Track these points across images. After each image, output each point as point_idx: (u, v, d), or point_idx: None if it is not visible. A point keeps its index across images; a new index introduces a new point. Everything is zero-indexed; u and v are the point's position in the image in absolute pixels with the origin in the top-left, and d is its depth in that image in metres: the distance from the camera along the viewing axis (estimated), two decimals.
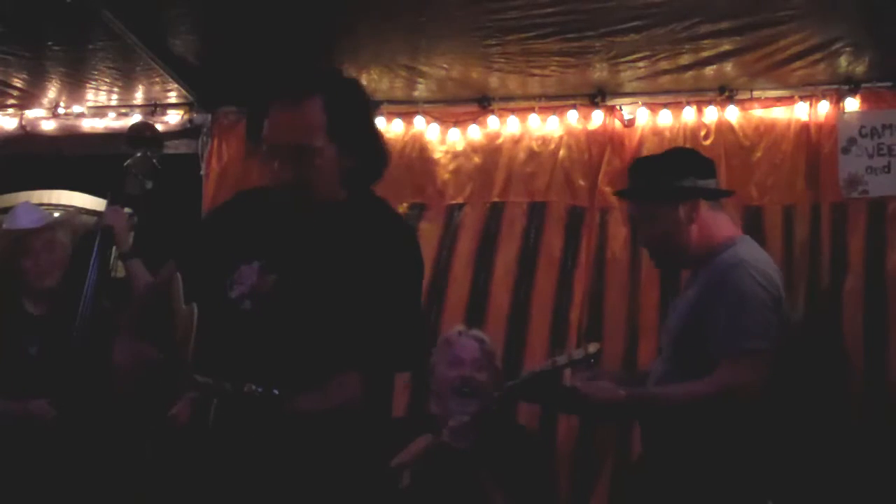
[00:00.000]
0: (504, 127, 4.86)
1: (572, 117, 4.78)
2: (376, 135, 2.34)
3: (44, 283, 3.59)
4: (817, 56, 4.27)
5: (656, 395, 2.71)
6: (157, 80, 4.72)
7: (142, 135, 3.69)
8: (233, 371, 2.02)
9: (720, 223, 2.79)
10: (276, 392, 1.93)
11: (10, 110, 5.12)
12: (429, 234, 4.81)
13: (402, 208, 4.86)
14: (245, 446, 2.04)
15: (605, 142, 4.74)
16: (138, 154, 3.58)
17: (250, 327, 2.14)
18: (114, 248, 3.52)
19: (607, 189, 4.65)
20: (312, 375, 2.04)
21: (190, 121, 5.02)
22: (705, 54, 4.28)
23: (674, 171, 2.80)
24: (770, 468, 2.65)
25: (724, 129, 4.66)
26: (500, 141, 4.87)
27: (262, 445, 2.03)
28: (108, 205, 3.57)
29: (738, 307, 2.54)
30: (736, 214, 4.54)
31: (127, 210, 3.59)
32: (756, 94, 4.63)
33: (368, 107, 2.33)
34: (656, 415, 2.70)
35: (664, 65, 4.39)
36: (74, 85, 4.84)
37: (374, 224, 2.26)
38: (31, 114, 5.12)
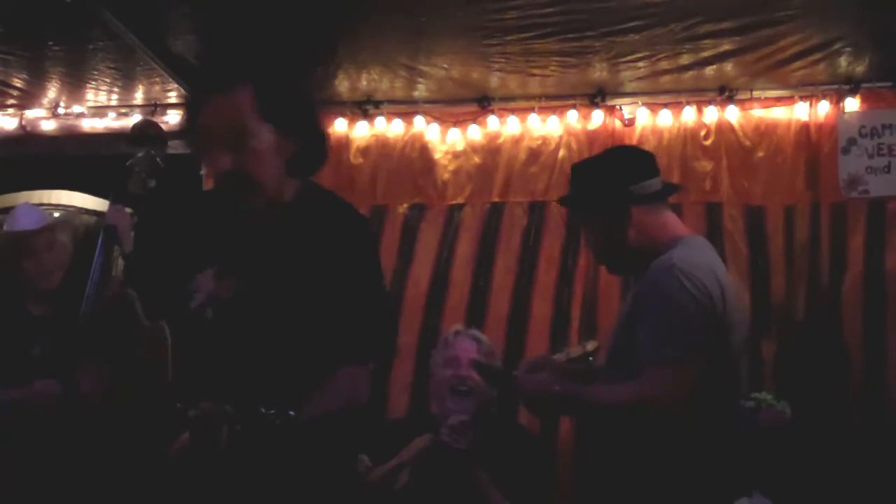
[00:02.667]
0: (504, 127, 4.87)
1: (572, 117, 4.79)
2: (313, 117, 2.31)
3: (45, 283, 3.59)
4: (817, 56, 4.28)
5: (582, 394, 2.58)
6: (157, 80, 4.72)
7: (145, 133, 3.67)
8: (216, 384, 2.01)
9: (663, 223, 2.64)
10: (291, 413, 1.90)
11: (10, 110, 5.12)
12: (429, 234, 4.83)
13: (403, 209, 4.89)
14: (264, 467, 2.00)
15: (605, 142, 4.74)
16: (141, 152, 3.56)
17: (218, 336, 2.13)
18: (115, 247, 3.51)
19: None
20: (294, 376, 2.03)
21: None
22: (705, 54, 4.28)
23: (603, 178, 2.66)
24: (718, 471, 2.53)
25: (724, 129, 4.67)
26: (500, 141, 4.88)
27: (282, 463, 2.00)
28: (111, 204, 3.56)
29: (663, 315, 2.40)
30: (738, 214, 4.57)
31: (127, 210, 3.58)
32: (756, 94, 4.64)
33: (303, 89, 2.32)
34: (582, 414, 2.63)
35: (664, 65, 4.39)
36: (74, 85, 4.84)
37: (326, 217, 2.25)
38: (31, 114, 5.12)
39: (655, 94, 4.70)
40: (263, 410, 1.89)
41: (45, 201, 5.08)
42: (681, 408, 2.36)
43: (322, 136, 2.31)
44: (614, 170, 2.68)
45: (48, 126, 5.13)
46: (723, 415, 2.53)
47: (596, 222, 2.68)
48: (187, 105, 2.24)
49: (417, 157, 4.93)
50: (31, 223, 3.64)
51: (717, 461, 2.50)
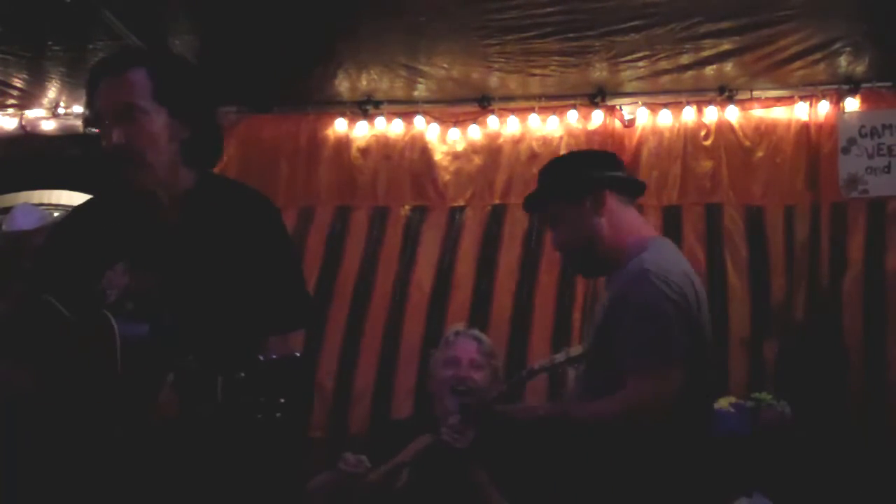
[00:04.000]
0: (504, 127, 4.87)
1: (572, 117, 4.79)
2: (209, 105, 2.36)
3: None
4: (817, 56, 4.28)
5: (568, 413, 2.56)
6: None
7: None
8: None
9: (632, 220, 2.63)
10: (297, 354, 1.94)
11: (10, 110, 5.12)
12: (431, 237, 4.83)
13: (404, 211, 4.89)
14: (273, 408, 2.01)
15: (604, 142, 4.75)
16: None
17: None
18: None
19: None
20: (221, 357, 2.05)
21: None
22: (705, 54, 4.29)
23: (574, 165, 2.69)
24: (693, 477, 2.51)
25: (724, 129, 4.67)
26: (500, 141, 4.88)
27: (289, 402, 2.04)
28: None
29: (641, 321, 2.37)
30: (737, 215, 4.57)
31: None
32: (756, 94, 4.64)
33: (197, 77, 2.36)
34: (571, 433, 2.55)
35: (664, 65, 4.40)
36: (74, 85, 4.83)
37: (229, 204, 2.29)
38: (31, 114, 5.12)
39: (655, 94, 4.71)
40: (262, 357, 1.91)
41: (45, 201, 5.07)
42: (668, 412, 2.35)
43: (217, 126, 2.36)
44: (587, 158, 2.76)
45: (48, 126, 5.13)
46: (699, 414, 2.53)
47: (566, 212, 2.63)
48: (87, 91, 2.27)
49: (418, 158, 4.94)
50: (29, 223, 3.64)
51: (694, 461, 2.49)
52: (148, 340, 2.08)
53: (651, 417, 2.35)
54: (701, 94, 4.68)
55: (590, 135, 4.78)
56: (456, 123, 4.90)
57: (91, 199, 2.46)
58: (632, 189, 2.69)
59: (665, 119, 4.73)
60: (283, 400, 1.89)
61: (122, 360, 2.02)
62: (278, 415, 1.92)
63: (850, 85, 4.52)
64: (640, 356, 2.37)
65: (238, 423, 1.96)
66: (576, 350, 2.85)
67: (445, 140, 4.93)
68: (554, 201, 2.68)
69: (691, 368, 2.40)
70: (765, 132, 4.64)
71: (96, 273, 2.21)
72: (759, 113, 4.65)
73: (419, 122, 4.91)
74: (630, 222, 2.62)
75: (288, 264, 2.33)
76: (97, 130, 2.25)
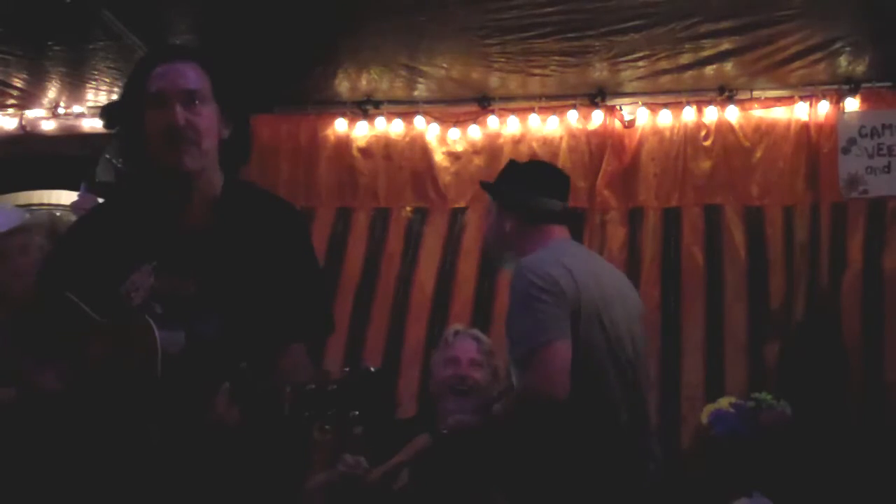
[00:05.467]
0: (504, 127, 4.87)
1: (572, 117, 4.79)
2: (248, 109, 2.39)
3: (18, 287, 3.46)
4: (817, 56, 4.28)
5: (489, 418, 2.80)
6: None
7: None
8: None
9: (539, 236, 2.86)
10: (371, 369, 1.94)
11: (10, 110, 5.13)
12: (433, 238, 4.83)
13: (406, 212, 4.89)
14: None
15: (604, 142, 4.75)
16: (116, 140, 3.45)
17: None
18: None
19: (606, 192, 4.68)
20: (248, 361, 2.04)
21: None
22: (705, 54, 4.29)
23: (513, 181, 2.97)
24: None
25: (724, 129, 4.66)
26: (500, 142, 4.88)
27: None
28: (81, 193, 3.43)
29: (516, 312, 2.62)
30: (737, 215, 4.57)
31: (100, 200, 3.47)
32: (756, 94, 4.64)
33: (243, 80, 2.38)
34: (498, 432, 2.77)
35: (664, 64, 4.40)
36: (74, 85, 4.84)
37: (258, 209, 2.30)
38: (31, 114, 5.13)
39: (655, 94, 4.70)
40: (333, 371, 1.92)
41: (45, 201, 5.07)
42: (562, 383, 2.49)
43: (250, 130, 2.37)
44: (528, 178, 2.96)
45: (48, 126, 5.14)
46: (599, 388, 2.63)
47: (490, 213, 3.01)
48: (135, 74, 2.25)
49: (419, 159, 4.94)
50: (5, 224, 3.56)
51: (597, 438, 2.61)
52: (187, 347, 2.07)
53: (547, 396, 2.50)
54: (701, 94, 4.67)
55: (590, 135, 4.78)
56: (456, 123, 4.90)
57: (113, 198, 2.45)
58: (549, 217, 2.90)
59: (665, 119, 4.72)
60: (356, 412, 1.89)
61: (161, 366, 2.01)
62: (356, 429, 1.92)
63: (850, 85, 4.51)
64: (520, 346, 2.57)
65: (301, 434, 1.97)
66: None
67: (445, 140, 4.93)
68: (492, 195, 3.03)
69: (583, 347, 2.56)
70: (765, 132, 4.63)
71: (120, 273, 2.18)
72: (759, 113, 4.65)
73: (419, 122, 4.91)
74: (539, 233, 2.86)
75: (317, 272, 2.36)
76: (113, 119, 2.26)
